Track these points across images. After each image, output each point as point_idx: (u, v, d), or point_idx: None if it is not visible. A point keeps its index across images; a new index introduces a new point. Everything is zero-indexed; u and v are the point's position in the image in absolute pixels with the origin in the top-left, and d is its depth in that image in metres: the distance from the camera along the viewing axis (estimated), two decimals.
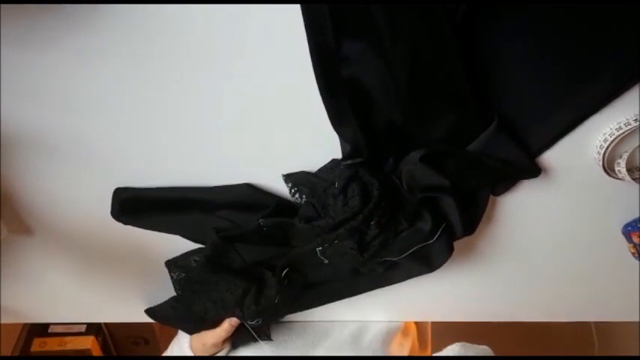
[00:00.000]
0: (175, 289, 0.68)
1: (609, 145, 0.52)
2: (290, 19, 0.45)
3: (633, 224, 0.60)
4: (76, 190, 0.62)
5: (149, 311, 0.73)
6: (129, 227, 0.64)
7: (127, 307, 0.79)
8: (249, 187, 0.58)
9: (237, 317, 0.68)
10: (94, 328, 1.28)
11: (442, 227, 0.54)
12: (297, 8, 0.44)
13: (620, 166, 0.53)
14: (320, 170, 0.56)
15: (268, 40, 0.48)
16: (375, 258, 0.55)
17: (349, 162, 0.52)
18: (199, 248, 0.65)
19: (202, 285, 0.63)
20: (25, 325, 1.27)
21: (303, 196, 0.57)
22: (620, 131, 0.51)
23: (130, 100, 0.53)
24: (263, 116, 0.53)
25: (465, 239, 0.60)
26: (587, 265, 0.66)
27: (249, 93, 0.52)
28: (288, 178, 0.57)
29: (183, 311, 0.68)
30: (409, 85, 0.47)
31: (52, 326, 1.27)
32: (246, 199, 0.58)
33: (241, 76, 0.50)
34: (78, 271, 0.72)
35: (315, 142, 0.55)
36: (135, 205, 0.61)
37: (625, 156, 0.52)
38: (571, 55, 0.47)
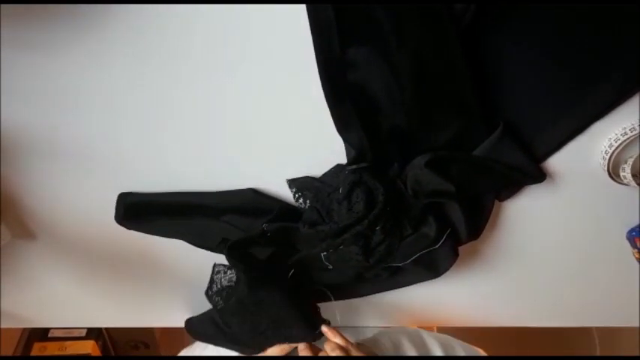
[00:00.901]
0: (224, 317, 0.65)
1: (614, 150, 0.51)
2: (295, 22, 0.45)
3: (638, 230, 0.59)
4: (78, 195, 0.62)
5: (188, 323, 0.72)
6: (131, 232, 0.64)
7: (128, 311, 0.78)
8: (253, 192, 0.58)
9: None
10: (94, 333, 1.27)
11: (447, 232, 0.54)
12: (303, 11, 0.44)
13: (626, 172, 0.53)
14: (324, 175, 0.55)
15: (274, 44, 0.48)
16: (380, 264, 0.54)
17: (354, 167, 0.52)
18: (221, 267, 0.64)
19: (257, 305, 0.61)
20: (25, 329, 1.26)
21: (307, 201, 0.56)
22: (626, 136, 0.50)
23: (134, 103, 0.53)
24: (268, 121, 0.53)
25: (470, 244, 0.60)
26: (592, 271, 0.66)
27: (254, 97, 0.51)
28: (293, 183, 0.56)
29: (239, 333, 0.65)
30: (414, 90, 0.47)
31: (52, 330, 1.27)
32: (251, 204, 0.58)
33: (247, 80, 0.50)
34: (79, 276, 0.72)
35: (319, 147, 0.54)
36: (139, 210, 0.61)
37: (630, 161, 0.52)
38: (576, 61, 0.47)
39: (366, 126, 0.50)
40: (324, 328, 0.62)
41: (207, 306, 0.68)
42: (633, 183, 0.53)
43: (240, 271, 0.57)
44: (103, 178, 0.60)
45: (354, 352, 0.59)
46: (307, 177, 0.56)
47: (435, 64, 0.46)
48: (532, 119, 0.51)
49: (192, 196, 0.59)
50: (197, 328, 0.72)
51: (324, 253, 0.54)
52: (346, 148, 0.53)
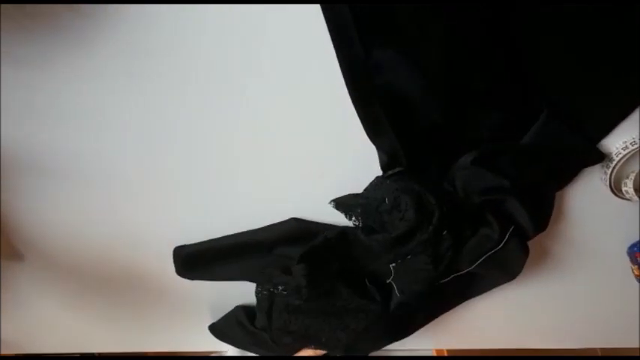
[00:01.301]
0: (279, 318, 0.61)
1: (616, 164, 0.52)
2: (315, 28, 0.45)
3: (639, 245, 0.59)
4: (67, 215, 0.60)
5: (212, 328, 0.68)
6: (119, 255, 0.62)
7: (121, 335, 0.74)
8: (295, 220, 0.58)
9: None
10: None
11: (510, 230, 0.51)
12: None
13: (628, 187, 0.53)
14: (366, 190, 0.54)
15: (289, 59, 0.49)
16: (447, 272, 0.51)
17: (390, 172, 0.51)
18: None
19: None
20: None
21: (360, 219, 0.54)
22: (627, 150, 0.51)
23: (127, 120, 0.53)
24: (292, 147, 0.55)
25: None
26: (593, 288, 0.65)
27: (272, 129, 0.53)
28: (338, 204, 0.55)
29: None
30: (447, 86, 0.46)
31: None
32: (297, 232, 0.57)
33: (262, 108, 0.52)
34: (69, 299, 0.68)
35: (350, 166, 0.55)
36: (195, 261, 0.60)
37: (632, 176, 0.53)
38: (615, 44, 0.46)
39: (398, 128, 0.48)
40: None
41: (200, 327, 0.65)
42: (636, 198, 0.53)
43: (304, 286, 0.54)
44: (92, 197, 0.58)
45: None
46: (349, 195, 0.55)
47: (465, 58, 0.45)
48: (573, 105, 0.49)
49: (239, 236, 0.59)
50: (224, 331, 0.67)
51: (393, 264, 0.51)
52: (379, 155, 0.52)
